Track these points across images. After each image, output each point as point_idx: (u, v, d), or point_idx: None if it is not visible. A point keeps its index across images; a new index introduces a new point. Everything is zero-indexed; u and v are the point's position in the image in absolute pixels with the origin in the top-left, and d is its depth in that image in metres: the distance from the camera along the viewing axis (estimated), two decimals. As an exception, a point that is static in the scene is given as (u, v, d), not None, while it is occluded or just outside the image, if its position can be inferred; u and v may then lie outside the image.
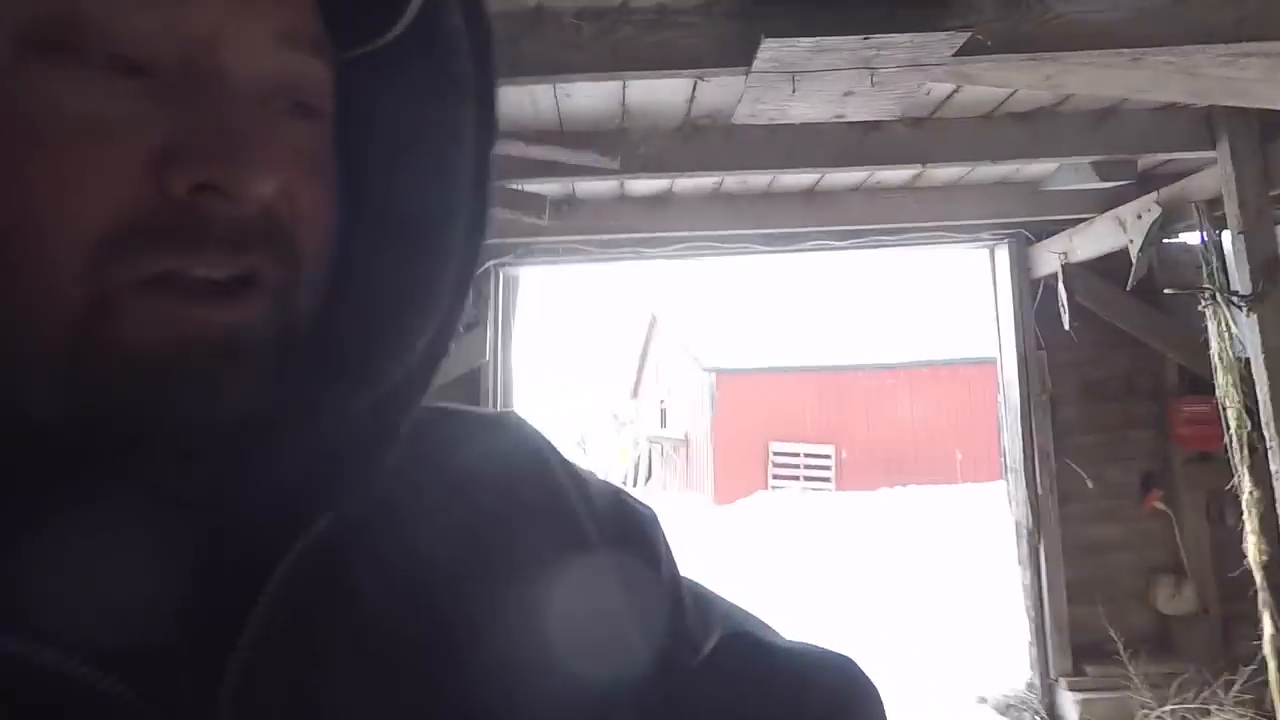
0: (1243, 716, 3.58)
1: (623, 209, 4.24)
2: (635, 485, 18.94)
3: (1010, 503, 4.55)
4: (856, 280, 17.62)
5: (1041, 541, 4.30)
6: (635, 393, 24.20)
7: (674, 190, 4.08)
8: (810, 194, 4.07)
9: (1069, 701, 4.12)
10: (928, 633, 6.07)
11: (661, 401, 20.04)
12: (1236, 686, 3.70)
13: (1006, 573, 8.40)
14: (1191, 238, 4.50)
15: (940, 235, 4.38)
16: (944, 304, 16.83)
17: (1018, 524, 4.48)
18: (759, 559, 10.12)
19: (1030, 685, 4.40)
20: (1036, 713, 4.24)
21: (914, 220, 4.07)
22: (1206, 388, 4.41)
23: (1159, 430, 4.48)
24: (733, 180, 3.88)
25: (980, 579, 8.34)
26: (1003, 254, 4.56)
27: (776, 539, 11.47)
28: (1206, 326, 4.70)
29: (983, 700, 4.50)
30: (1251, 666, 3.71)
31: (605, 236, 4.42)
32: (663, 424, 19.78)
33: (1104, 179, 3.15)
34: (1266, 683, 3.71)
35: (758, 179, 3.83)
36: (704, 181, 3.93)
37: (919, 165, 3.12)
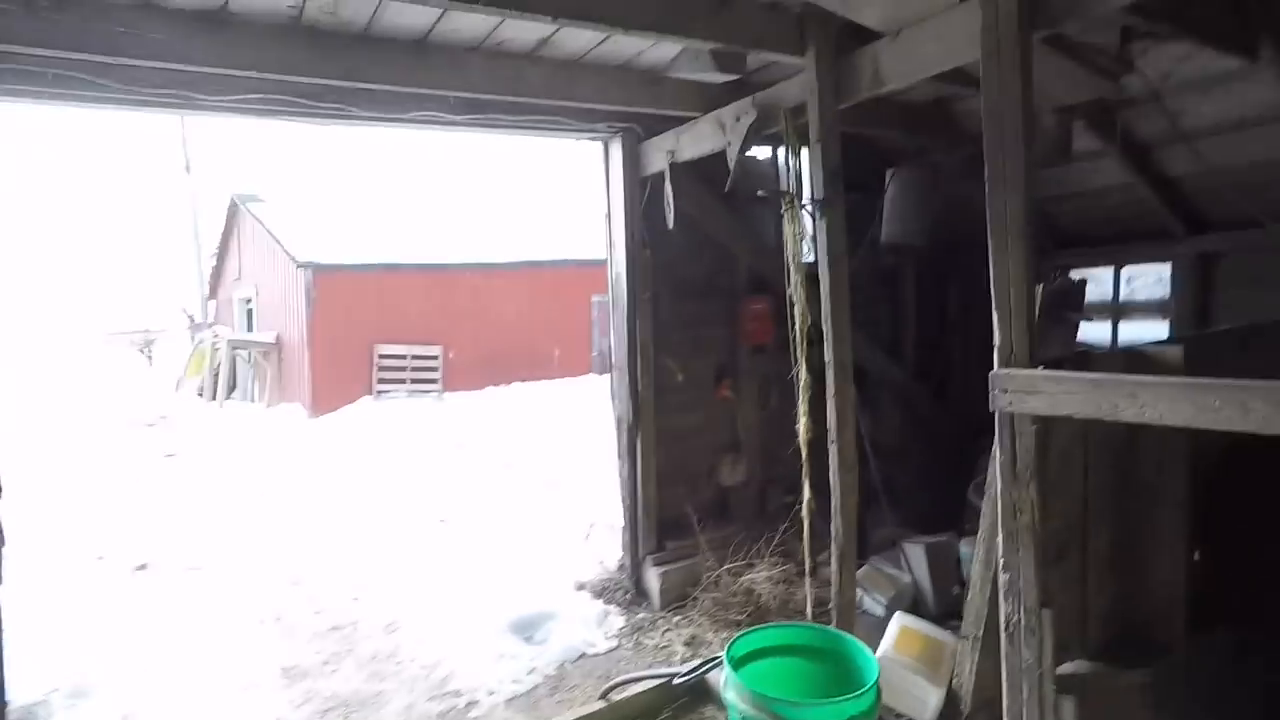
0: (775, 565, 4.19)
1: (155, 23, 2.98)
2: (216, 398, 16.08)
3: (613, 399, 4.62)
4: (457, 172, 17.01)
5: (640, 434, 4.46)
6: (214, 291, 20.38)
7: (232, 8, 2.98)
8: (422, 45, 3.32)
9: (653, 575, 4.43)
10: (536, 528, 6.13)
11: (248, 302, 17.17)
12: (775, 542, 4.31)
13: (606, 462, 9.05)
14: (763, 150, 4.95)
15: (559, 121, 4.04)
16: (545, 203, 17.26)
17: (619, 419, 4.58)
18: (359, 468, 9.31)
19: (621, 566, 4.64)
20: (627, 590, 4.49)
21: (536, 95, 3.61)
22: (764, 288, 4.99)
23: (730, 326, 4.94)
24: (317, 7, 2.95)
25: (585, 470, 8.87)
26: (616, 148, 4.44)
27: (379, 446, 10.72)
28: (770, 231, 5.31)
29: (581, 586, 4.62)
30: (784, 525, 4.37)
31: (128, 62, 3.08)
32: (249, 327, 17.02)
33: (721, 69, 3.10)
34: (798, 536, 4.42)
35: (354, 7, 2.96)
36: (278, 3, 2.93)
37: (550, 18, 2.59)
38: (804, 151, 3.32)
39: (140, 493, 8.18)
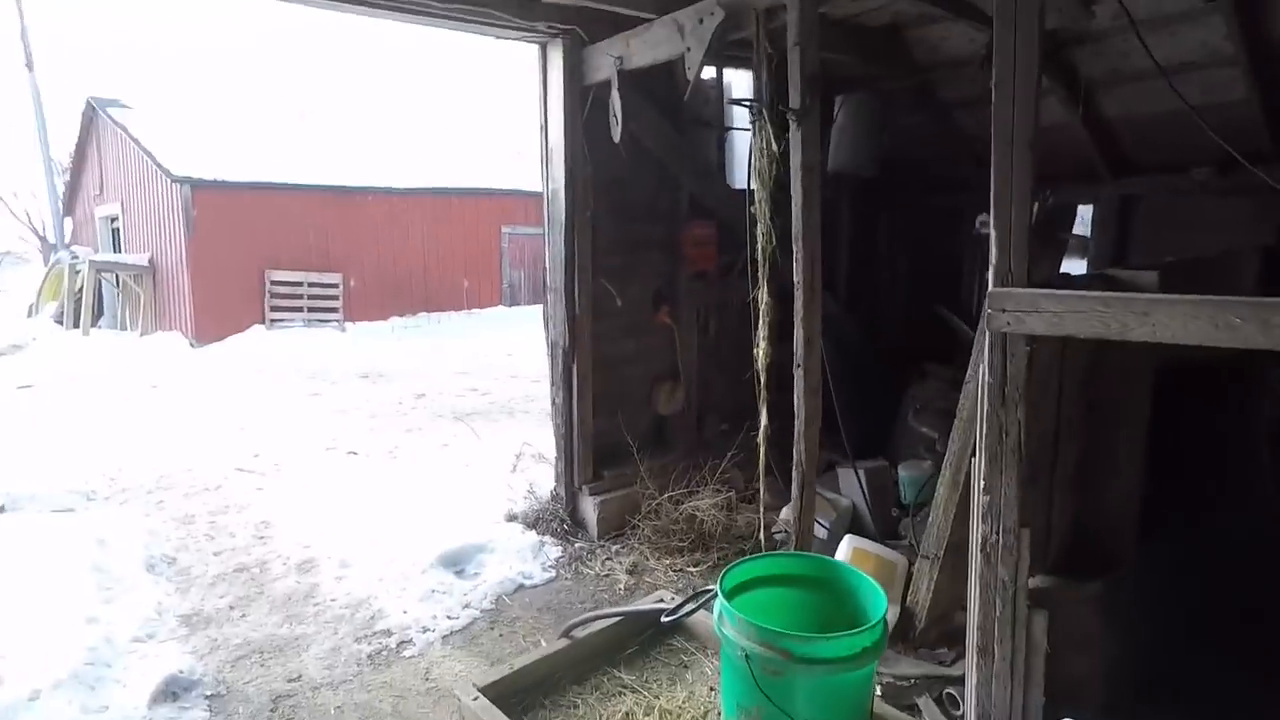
0: (718, 492, 4.05)
1: None
2: (80, 326, 14.29)
3: (548, 323, 4.26)
4: (359, 89, 15.52)
5: (575, 360, 4.14)
6: (71, 208, 17.93)
7: None
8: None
9: (590, 504, 4.20)
10: (455, 460, 5.75)
11: (114, 220, 15.19)
12: (720, 471, 4.16)
13: (525, 393, 8.69)
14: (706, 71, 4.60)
15: (494, 16, 3.53)
16: (454, 128, 16.14)
17: (554, 344, 4.23)
18: (253, 399, 8.51)
19: (555, 496, 4.38)
20: (562, 520, 4.24)
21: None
22: (706, 213, 4.72)
23: (670, 251, 4.65)
24: None
25: (504, 401, 8.46)
26: (556, 53, 3.96)
27: (276, 377, 9.85)
28: (711, 155, 5.01)
29: (512, 518, 4.33)
30: (731, 453, 4.22)
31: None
32: (116, 248, 15.11)
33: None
34: (738, 464, 4.29)
35: None
36: None
37: None
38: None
39: (-10, 427, 7.10)
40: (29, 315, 15.43)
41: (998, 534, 2.23)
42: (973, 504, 2.36)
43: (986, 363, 2.23)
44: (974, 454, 2.40)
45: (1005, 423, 2.19)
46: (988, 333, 2.20)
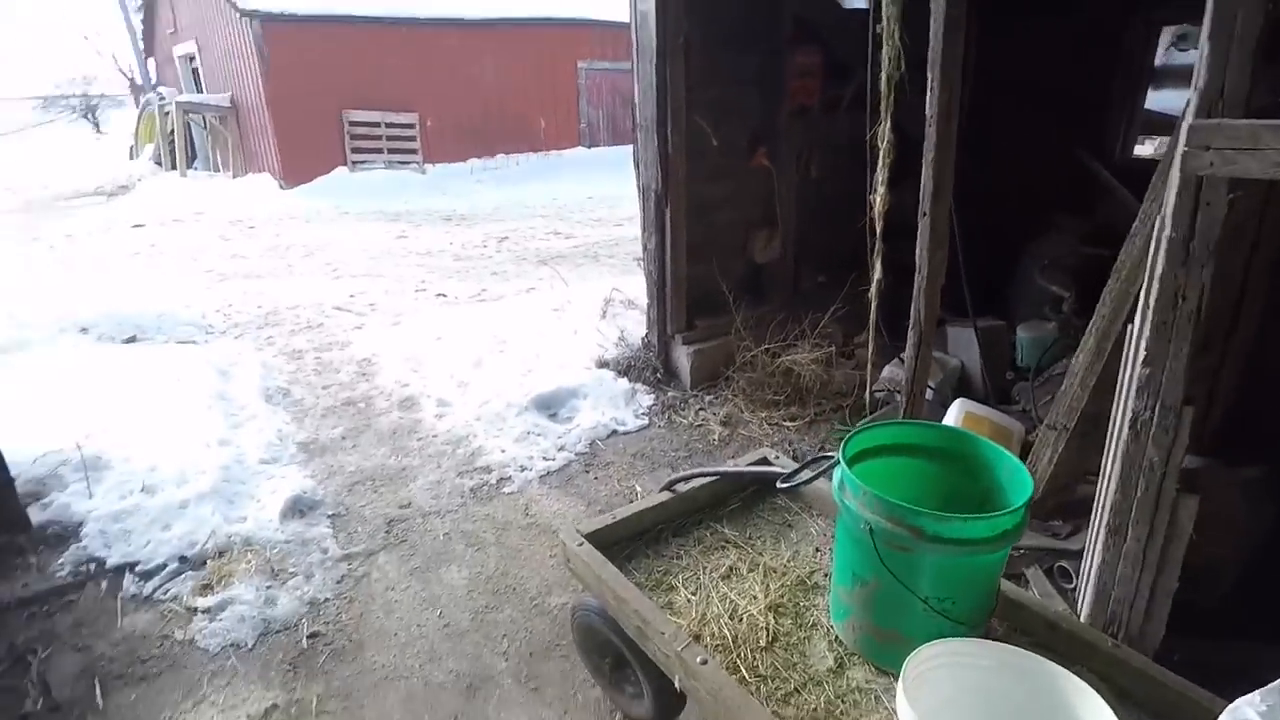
0: (817, 347, 3.85)
1: None
2: (176, 167, 14.64)
3: (639, 165, 3.94)
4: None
5: (669, 204, 3.86)
6: (150, 48, 17.79)
7: None
8: None
9: (683, 354, 4.10)
10: (541, 304, 5.70)
11: (192, 60, 15.01)
12: (820, 325, 3.93)
13: (610, 239, 8.49)
14: None
15: None
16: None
17: (645, 187, 3.95)
18: (343, 241, 8.65)
19: (648, 344, 4.29)
20: (654, 369, 4.18)
21: None
22: (812, 38, 4.14)
23: (768, 84, 4.16)
24: None
25: (588, 245, 8.32)
26: None
27: (362, 218, 9.94)
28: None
29: (603, 364, 4.30)
30: (836, 305, 3.96)
31: None
32: (199, 88, 15.06)
33: None
34: (839, 320, 4.05)
35: None
36: None
37: None
38: None
39: (109, 265, 7.50)
40: (130, 157, 15.90)
41: (1152, 411, 1.98)
42: (1122, 375, 2.10)
43: (1170, 212, 1.87)
44: (1131, 319, 2.10)
45: (1184, 284, 1.87)
46: (1177, 175, 1.82)
